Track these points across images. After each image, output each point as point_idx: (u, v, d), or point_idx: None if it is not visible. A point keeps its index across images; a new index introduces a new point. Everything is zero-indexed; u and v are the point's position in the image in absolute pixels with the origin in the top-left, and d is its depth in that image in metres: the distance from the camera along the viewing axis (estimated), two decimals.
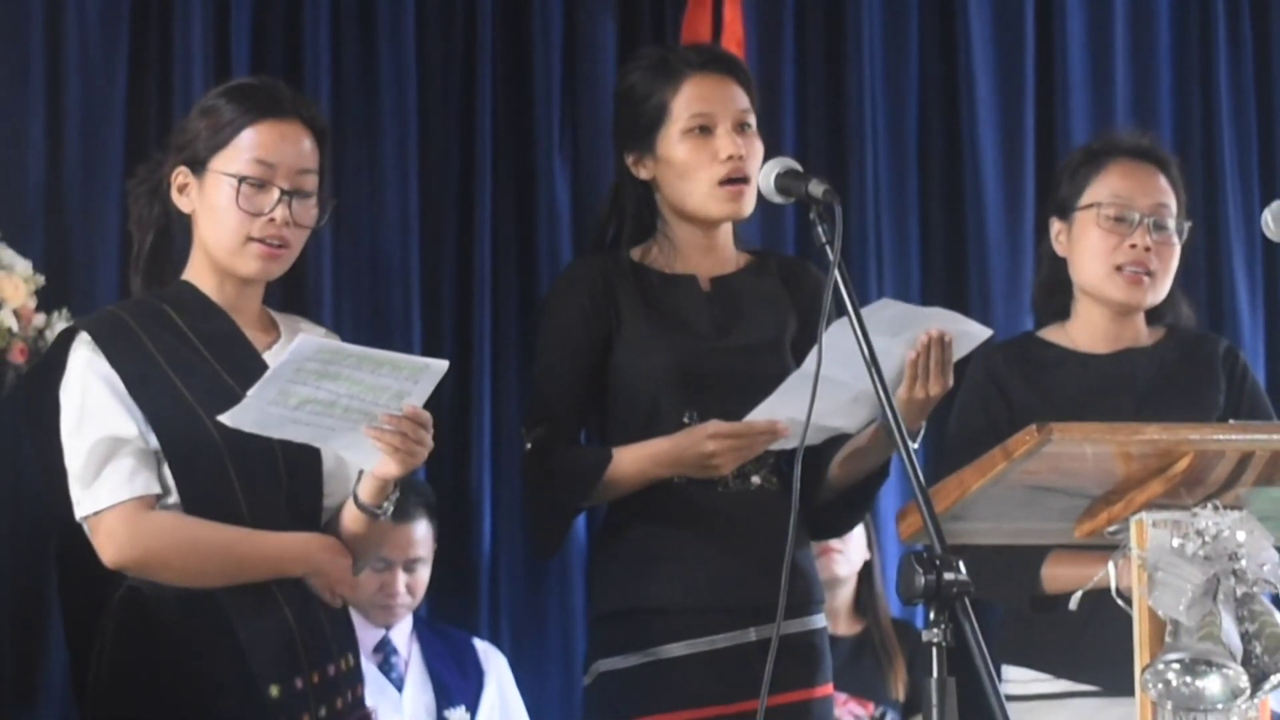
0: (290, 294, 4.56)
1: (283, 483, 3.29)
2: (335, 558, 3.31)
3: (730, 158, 3.65)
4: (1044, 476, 3.15)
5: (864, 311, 3.08)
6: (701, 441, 3.52)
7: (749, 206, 3.70)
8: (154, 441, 3.25)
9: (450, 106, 5.69)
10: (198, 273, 3.39)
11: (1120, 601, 3.09)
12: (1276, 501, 3.16)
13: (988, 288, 6.02)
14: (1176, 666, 2.98)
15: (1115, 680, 3.41)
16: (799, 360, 3.58)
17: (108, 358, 3.27)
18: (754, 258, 3.81)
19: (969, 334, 3.51)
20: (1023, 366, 3.93)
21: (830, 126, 6.01)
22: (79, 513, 3.25)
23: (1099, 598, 3.14)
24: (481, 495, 5.59)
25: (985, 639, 2.71)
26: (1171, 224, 3.92)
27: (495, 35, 5.73)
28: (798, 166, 3.29)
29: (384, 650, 5.11)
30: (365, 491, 3.29)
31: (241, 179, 3.32)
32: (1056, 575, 3.70)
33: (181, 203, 3.38)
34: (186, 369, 3.29)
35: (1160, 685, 2.99)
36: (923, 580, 2.72)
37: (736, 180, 3.66)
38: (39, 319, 4.96)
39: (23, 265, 4.97)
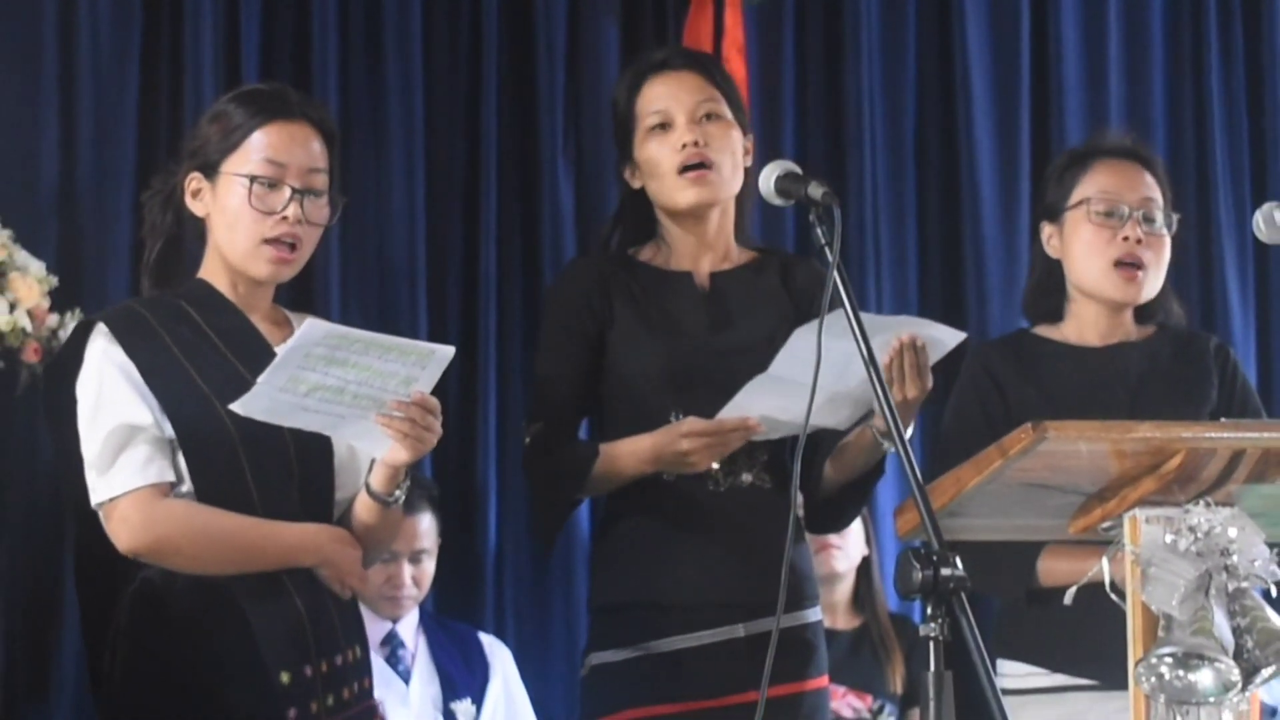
0: (299, 294, 4.56)
1: (294, 474, 3.31)
2: (345, 549, 3.33)
3: (685, 145, 3.65)
4: (1039, 474, 3.14)
5: (827, 320, 3.07)
6: (677, 440, 3.53)
7: (719, 191, 3.68)
8: (169, 430, 3.26)
9: (456, 111, 5.72)
10: (212, 273, 3.42)
11: (1114, 596, 3.08)
12: (1267, 498, 3.16)
13: (984, 288, 6.03)
14: (1169, 660, 2.97)
15: (1110, 674, 3.43)
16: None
17: (124, 348, 3.28)
18: (757, 255, 3.81)
19: (939, 340, 3.50)
20: (1017, 361, 3.94)
21: (829, 129, 6.03)
22: (94, 499, 3.26)
23: (1094, 593, 3.12)
24: (487, 491, 5.61)
25: (981, 633, 2.72)
26: (1160, 217, 3.93)
27: (500, 41, 5.75)
28: (797, 169, 3.29)
29: (391, 643, 5.13)
30: (377, 480, 3.31)
31: (253, 179, 3.34)
32: (1052, 569, 3.72)
33: (196, 207, 3.40)
34: (201, 360, 3.30)
35: (1153, 679, 2.98)
36: (920, 576, 2.71)
37: (695, 166, 3.66)
38: (52, 319, 4.98)
39: (36, 266, 5.00)
